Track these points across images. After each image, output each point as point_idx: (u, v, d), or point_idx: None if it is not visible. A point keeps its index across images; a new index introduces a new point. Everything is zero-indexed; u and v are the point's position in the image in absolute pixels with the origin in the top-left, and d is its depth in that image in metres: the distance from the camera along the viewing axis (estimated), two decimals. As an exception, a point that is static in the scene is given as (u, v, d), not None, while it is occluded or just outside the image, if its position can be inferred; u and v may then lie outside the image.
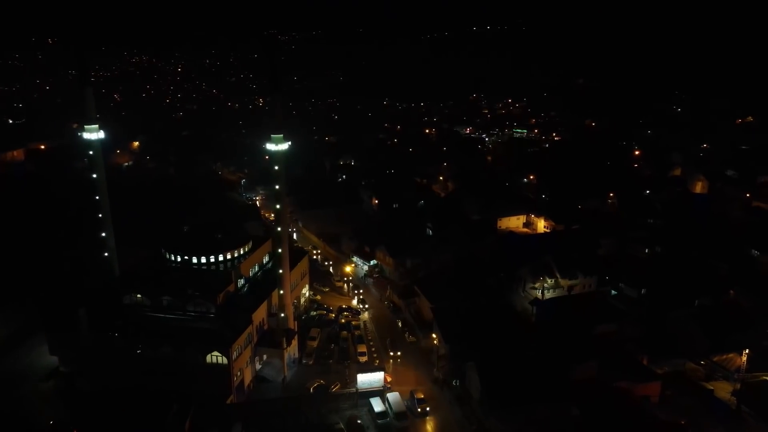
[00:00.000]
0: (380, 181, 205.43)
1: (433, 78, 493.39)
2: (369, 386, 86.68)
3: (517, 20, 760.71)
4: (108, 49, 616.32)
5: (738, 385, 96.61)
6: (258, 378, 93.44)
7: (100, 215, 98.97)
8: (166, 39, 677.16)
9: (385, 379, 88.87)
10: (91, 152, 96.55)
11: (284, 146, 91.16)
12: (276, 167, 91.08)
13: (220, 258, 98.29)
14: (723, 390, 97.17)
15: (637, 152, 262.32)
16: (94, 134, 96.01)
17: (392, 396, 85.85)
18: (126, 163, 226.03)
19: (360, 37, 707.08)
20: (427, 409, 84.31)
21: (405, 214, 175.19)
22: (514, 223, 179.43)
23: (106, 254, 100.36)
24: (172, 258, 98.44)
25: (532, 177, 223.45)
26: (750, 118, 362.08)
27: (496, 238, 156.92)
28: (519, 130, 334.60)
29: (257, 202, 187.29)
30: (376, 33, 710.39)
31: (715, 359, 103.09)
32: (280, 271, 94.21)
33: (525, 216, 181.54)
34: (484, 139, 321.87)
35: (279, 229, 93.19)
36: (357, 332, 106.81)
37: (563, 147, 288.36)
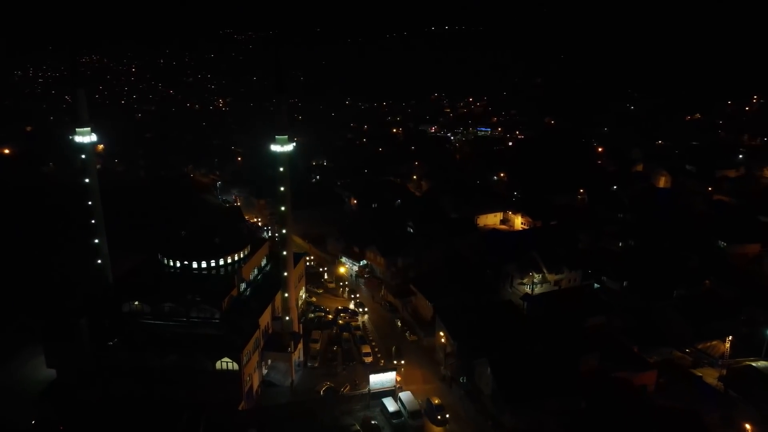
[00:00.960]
0: (356, 181, 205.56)
1: (394, 77, 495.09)
2: (381, 386, 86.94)
3: (475, 21, 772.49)
4: (55, 47, 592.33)
5: (724, 371, 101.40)
6: (265, 383, 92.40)
7: (93, 221, 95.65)
8: (114, 38, 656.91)
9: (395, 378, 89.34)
10: (83, 156, 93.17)
11: (289, 147, 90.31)
12: (281, 169, 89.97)
13: (221, 262, 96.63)
14: (710, 376, 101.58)
15: (600, 149, 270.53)
16: (86, 137, 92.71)
17: (405, 395, 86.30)
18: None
19: (318, 37, 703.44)
20: (447, 416, 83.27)
21: (385, 213, 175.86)
22: (492, 220, 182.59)
23: (99, 261, 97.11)
24: (171, 263, 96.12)
25: (502, 175, 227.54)
26: (698, 116, 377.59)
27: (478, 236, 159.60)
28: (483, 129, 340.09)
29: (237, 204, 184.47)
30: (334, 33, 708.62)
31: (699, 347, 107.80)
32: (285, 273, 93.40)
33: (502, 213, 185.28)
34: (449, 137, 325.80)
35: (284, 231, 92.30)
36: (358, 333, 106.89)
37: (528, 145, 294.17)
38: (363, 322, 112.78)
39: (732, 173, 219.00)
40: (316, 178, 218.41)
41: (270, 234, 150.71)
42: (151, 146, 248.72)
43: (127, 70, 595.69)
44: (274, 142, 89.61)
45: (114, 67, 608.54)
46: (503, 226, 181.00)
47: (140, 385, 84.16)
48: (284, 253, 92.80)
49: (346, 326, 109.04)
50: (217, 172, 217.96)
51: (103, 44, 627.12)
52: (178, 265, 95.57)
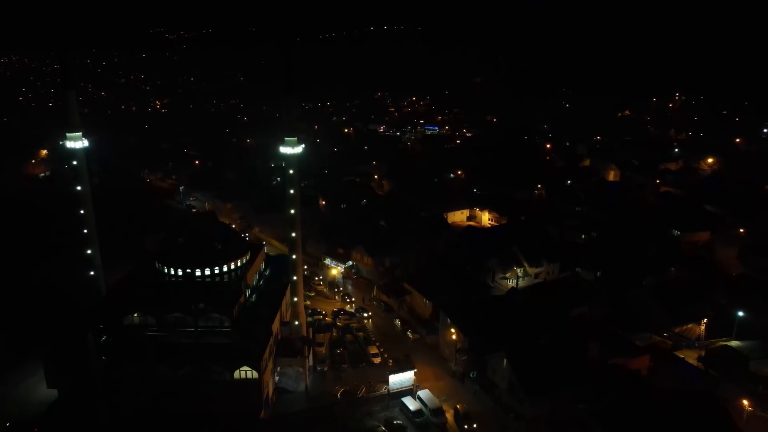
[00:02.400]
0: (320, 182, 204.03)
1: (335, 77, 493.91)
2: (400, 386, 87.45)
3: (413, 20, 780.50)
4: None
5: (702, 352, 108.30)
6: (278, 390, 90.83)
7: (86, 230, 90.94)
8: (38, 39, 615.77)
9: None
10: (75, 162, 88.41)
11: (298, 149, 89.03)
12: (290, 171, 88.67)
13: (225, 269, 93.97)
14: (689, 357, 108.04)
15: (548, 145, 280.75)
16: (77, 142, 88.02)
17: (424, 393, 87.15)
18: (42, 174, 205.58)
19: (254, 37, 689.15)
20: (474, 426, 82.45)
21: (355, 214, 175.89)
22: (459, 217, 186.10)
23: (92, 273, 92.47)
24: (171, 271, 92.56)
25: (459, 172, 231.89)
26: (627, 112, 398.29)
27: (453, 233, 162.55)
28: (431, 128, 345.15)
29: (207, 209, 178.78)
30: (270, 33, 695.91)
31: (676, 331, 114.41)
32: (295, 277, 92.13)
33: (468, 210, 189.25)
34: (398, 136, 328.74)
35: (293, 234, 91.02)
36: (360, 334, 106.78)
37: (477, 142, 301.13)
38: (365, 323, 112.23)
39: (673, 166, 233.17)
40: (276, 180, 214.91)
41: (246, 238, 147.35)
42: (97, 151, 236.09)
43: (52, 71, 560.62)
44: (283, 143, 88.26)
45: (37, 67, 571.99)
46: (471, 223, 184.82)
47: (153, 401, 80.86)
48: (293, 257, 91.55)
49: (347, 328, 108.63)
50: (173, 176, 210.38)
51: (22, 47, 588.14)
52: (180, 273, 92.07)
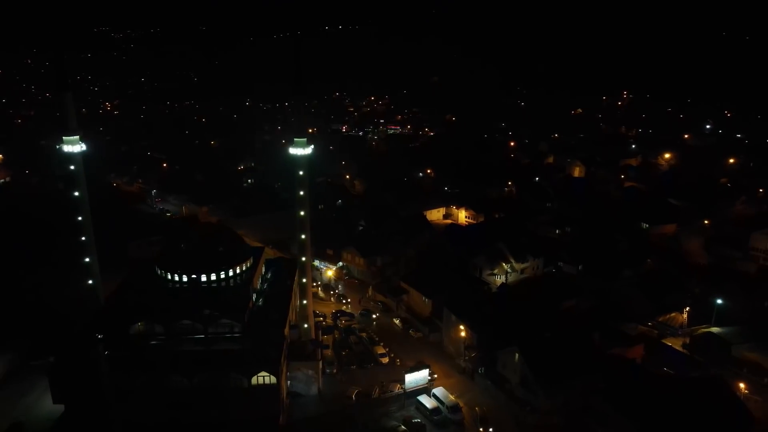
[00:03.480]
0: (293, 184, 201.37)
1: (291, 77, 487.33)
2: (416, 385, 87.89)
3: (368, 20, 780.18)
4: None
5: (687, 339, 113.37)
6: (290, 394, 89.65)
7: (84, 238, 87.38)
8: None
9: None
10: (72, 167, 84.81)
11: (308, 150, 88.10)
12: (301, 172, 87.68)
13: (230, 273, 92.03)
14: (675, 345, 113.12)
15: (512, 143, 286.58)
16: (75, 146, 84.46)
17: (439, 391, 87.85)
18: (2, 180, 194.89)
19: (204, 36, 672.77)
20: (491, 430, 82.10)
21: (334, 214, 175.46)
22: (435, 215, 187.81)
23: (90, 282, 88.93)
24: (176, 278, 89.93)
25: (429, 171, 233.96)
26: (579, 110, 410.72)
27: (432, 231, 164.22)
28: (393, 128, 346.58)
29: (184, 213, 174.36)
30: (220, 32, 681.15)
31: (660, 320, 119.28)
32: (304, 280, 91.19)
33: (444, 208, 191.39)
34: (361, 136, 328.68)
35: (303, 236, 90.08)
36: (363, 334, 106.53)
37: (442, 141, 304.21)
38: (372, 324, 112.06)
39: (633, 162, 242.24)
40: (248, 182, 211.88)
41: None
42: (57, 155, 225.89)
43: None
44: (293, 144, 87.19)
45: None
46: (447, 221, 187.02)
47: (167, 412, 78.50)
48: (303, 259, 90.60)
49: (350, 330, 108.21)
50: (140, 180, 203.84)
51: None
52: (185, 279, 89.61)
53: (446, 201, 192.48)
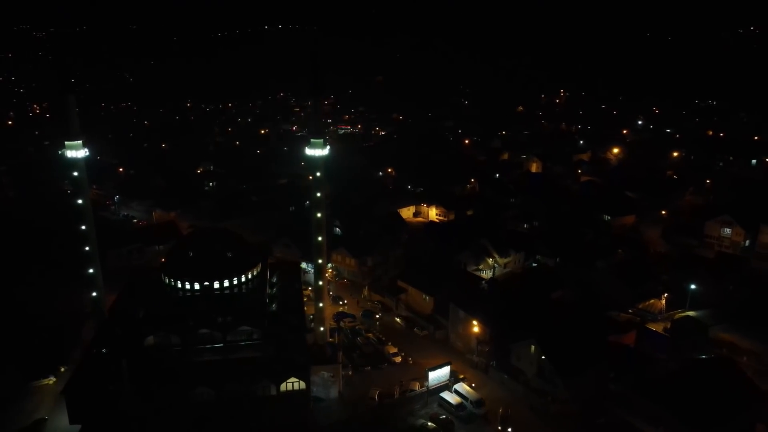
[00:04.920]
0: (260, 186, 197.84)
1: (233, 77, 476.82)
2: (438, 382, 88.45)
3: (309, 20, 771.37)
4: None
5: (668, 324, 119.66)
6: (313, 399, 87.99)
7: (87, 248, 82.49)
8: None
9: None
10: (75, 173, 79.90)
11: (325, 151, 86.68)
12: (318, 173, 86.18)
13: (242, 279, 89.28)
14: (656, 329, 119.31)
15: (466, 141, 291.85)
16: (78, 152, 79.63)
17: (460, 387, 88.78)
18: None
19: (135, 35, 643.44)
20: (509, 430, 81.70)
21: (304, 215, 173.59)
22: (406, 214, 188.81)
23: (95, 294, 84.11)
24: (187, 286, 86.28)
25: (390, 170, 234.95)
26: (521, 108, 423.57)
27: (408, 230, 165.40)
28: (343, 127, 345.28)
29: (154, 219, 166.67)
30: (152, 32, 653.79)
31: (640, 306, 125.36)
32: (320, 282, 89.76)
33: (415, 206, 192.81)
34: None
35: (319, 238, 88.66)
36: (369, 335, 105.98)
37: (395, 140, 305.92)
38: (376, 324, 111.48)
39: (585, 157, 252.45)
40: (210, 185, 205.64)
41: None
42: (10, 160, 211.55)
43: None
44: (310, 145, 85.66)
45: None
46: (418, 219, 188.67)
47: (192, 426, 75.47)
48: (319, 261, 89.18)
49: (355, 331, 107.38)
50: (95, 186, 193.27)
51: None
52: (197, 286, 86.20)
53: (416, 199, 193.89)
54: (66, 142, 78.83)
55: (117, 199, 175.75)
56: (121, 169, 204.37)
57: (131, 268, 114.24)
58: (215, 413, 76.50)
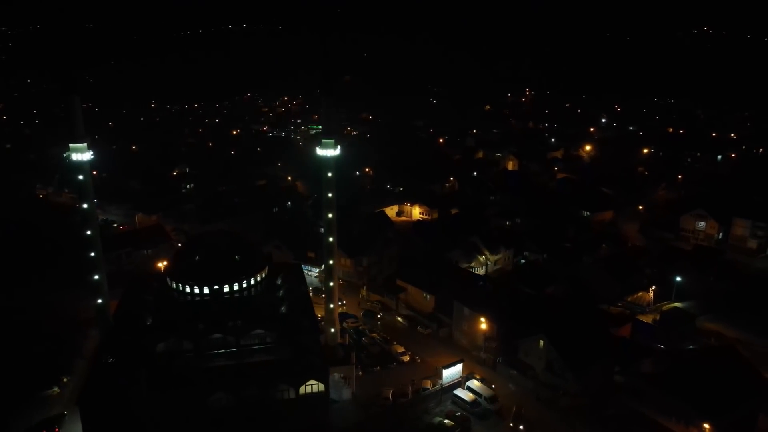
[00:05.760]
0: (240, 188, 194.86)
1: (197, 78, 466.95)
2: (451, 380, 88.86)
3: (274, 19, 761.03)
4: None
5: (657, 316, 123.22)
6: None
7: (93, 254, 79.76)
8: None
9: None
10: (80, 177, 77.11)
11: (336, 151, 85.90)
12: (329, 174, 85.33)
13: (251, 282, 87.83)
14: (646, 320, 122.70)
15: (441, 140, 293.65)
16: (84, 154, 76.87)
17: (473, 383, 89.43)
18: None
19: (93, 35, 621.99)
20: (521, 427, 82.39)
21: (294, 216, 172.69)
22: (389, 213, 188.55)
23: (100, 300, 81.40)
24: (195, 290, 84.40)
25: (367, 170, 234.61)
26: (488, 107, 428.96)
27: (394, 229, 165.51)
28: (314, 127, 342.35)
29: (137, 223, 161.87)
30: (110, 31, 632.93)
31: (629, 299, 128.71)
32: (331, 284, 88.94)
33: (397, 205, 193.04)
34: (283, 137, 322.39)
35: (330, 239, 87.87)
36: (374, 335, 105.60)
37: (368, 139, 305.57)
38: (378, 324, 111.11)
39: (558, 154, 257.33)
40: (186, 187, 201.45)
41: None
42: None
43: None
44: (321, 145, 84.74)
45: None
46: (401, 218, 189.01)
47: None
48: (330, 262, 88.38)
49: (359, 331, 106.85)
50: (66, 190, 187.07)
51: None
52: (206, 291, 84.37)
53: (398, 199, 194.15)
54: (70, 145, 75.96)
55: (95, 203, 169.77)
56: (94, 172, 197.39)
57: (122, 273, 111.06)
58: (234, 419, 75.01)
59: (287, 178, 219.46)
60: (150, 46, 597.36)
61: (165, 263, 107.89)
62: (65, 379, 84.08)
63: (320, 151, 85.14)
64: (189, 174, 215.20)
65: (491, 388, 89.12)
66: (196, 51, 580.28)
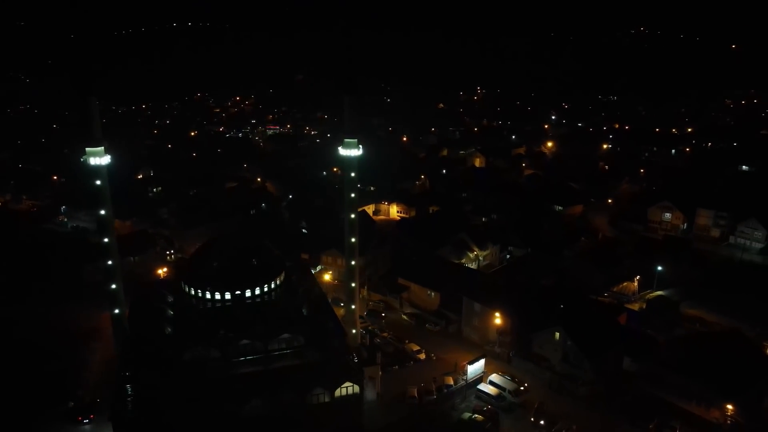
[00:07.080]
0: (210, 190, 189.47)
1: (143, 78, 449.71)
2: (475, 375, 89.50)
3: (220, 18, 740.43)
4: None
5: (643, 305, 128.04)
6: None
7: (110, 262, 75.78)
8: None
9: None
10: (98, 182, 73.08)
11: (359, 151, 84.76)
12: (352, 174, 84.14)
13: (272, 285, 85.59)
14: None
15: (404, 138, 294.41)
16: (102, 159, 72.89)
17: (496, 377, 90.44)
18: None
19: (26, 33, 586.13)
20: (541, 422, 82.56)
21: (275, 218, 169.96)
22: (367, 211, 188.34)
23: (117, 311, 77.45)
24: (216, 296, 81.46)
25: (335, 169, 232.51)
26: (441, 105, 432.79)
27: (377, 228, 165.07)
28: (272, 128, 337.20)
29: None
30: (47, 29, 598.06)
31: (614, 290, 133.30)
32: (353, 284, 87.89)
33: (374, 204, 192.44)
34: (240, 137, 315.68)
35: (353, 240, 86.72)
36: (385, 334, 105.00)
37: (332, 139, 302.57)
38: (382, 323, 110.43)
39: (521, 151, 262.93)
40: (154, 190, 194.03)
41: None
42: None
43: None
44: (343, 145, 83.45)
45: None
46: (380, 216, 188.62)
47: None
48: (352, 263, 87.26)
49: (369, 331, 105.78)
50: (26, 197, 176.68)
51: None
52: (228, 296, 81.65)
53: (373, 198, 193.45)
54: (87, 149, 71.85)
55: (63, 209, 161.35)
56: (54, 177, 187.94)
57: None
58: (268, 426, 72.99)
59: (257, 180, 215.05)
60: (91, 46, 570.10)
61: (165, 270, 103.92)
62: (79, 393, 79.57)
63: (343, 151, 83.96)
64: (154, 177, 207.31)
65: (515, 381, 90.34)
66: (143, 50, 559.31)
